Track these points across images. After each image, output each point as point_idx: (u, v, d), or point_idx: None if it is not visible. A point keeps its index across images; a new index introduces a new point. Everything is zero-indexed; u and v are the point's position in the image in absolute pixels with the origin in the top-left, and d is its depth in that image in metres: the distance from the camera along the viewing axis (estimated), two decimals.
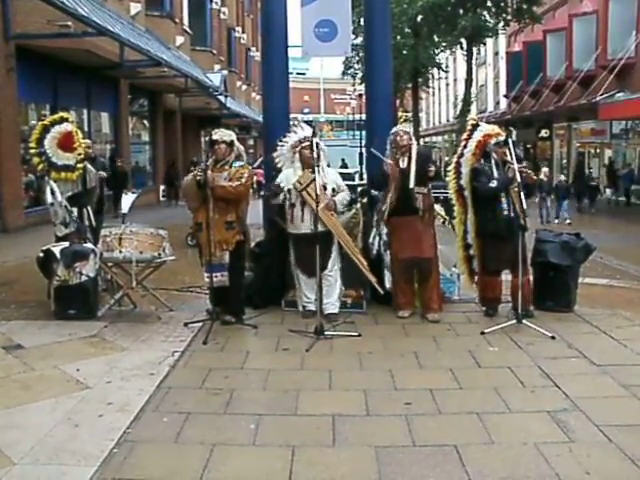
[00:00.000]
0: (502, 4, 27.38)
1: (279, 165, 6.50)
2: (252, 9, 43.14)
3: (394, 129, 6.56)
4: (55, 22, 13.79)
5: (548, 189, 18.86)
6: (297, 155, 6.30)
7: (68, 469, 3.43)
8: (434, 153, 43.96)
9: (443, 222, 6.97)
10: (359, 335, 5.75)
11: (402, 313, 6.39)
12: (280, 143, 6.51)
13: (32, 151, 7.12)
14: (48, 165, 6.97)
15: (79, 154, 7.03)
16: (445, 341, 5.68)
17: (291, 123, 7.43)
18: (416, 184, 6.26)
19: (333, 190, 6.27)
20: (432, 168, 6.34)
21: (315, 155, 5.93)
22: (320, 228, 5.95)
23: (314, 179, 5.85)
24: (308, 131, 6.36)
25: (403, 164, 6.36)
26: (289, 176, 6.26)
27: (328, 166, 6.80)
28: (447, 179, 6.63)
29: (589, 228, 15.76)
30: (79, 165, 7.03)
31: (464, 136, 6.72)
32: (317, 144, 6.09)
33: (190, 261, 7.44)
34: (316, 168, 5.86)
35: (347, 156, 38.17)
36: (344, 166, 33.62)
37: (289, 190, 6.19)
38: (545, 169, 20.92)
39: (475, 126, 6.63)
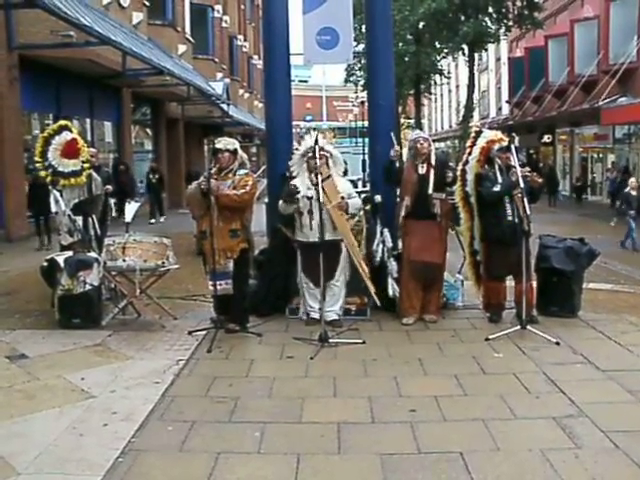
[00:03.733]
0: (503, 10, 27.41)
1: (294, 174, 6.42)
2: (254, 17, 43.21)
3: (414, 135, 6.59)
4: (58, 32, 13.85)
5: (639, 205, 14.82)
6: (305, 165, 6.28)
7: (73, 479, 3.43)
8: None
9: None
10: (363, 342, 5.75)
11: (406, 320, 6.38)
12: (294, 152, 6.51)
13: (38, 165, 7.20)
14: (55, 175, 7.03)
15: (84, 156, 7.10)
16: (449, 348, 5.67)
17: (294, 131, 7.43)
18: (434, 190, 6.29)
19: (342, 198, 6.22)
20: (450, 174, 6.37)
21: (318, 163, 5.93)
22: (328, 237, 5.92)
23: (330, 175, 5.97)
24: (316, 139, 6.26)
25: (422, 170, 6.37)
26: (298, 185, 6.20)
27: (345, 174, 6.81)
28: (453, 186, 6.63)
29: None
30: (85, 165, 7.11)
31: (468, 143, 6.75)
32: (329, 151, 6.29)
33: (194, 269, 7.44)
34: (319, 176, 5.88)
35: (350, 163, 38.17)
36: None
37: (297, 199, 6.17)
38: (632, 179, 15.78)
39: (478, 133, 6.66)
